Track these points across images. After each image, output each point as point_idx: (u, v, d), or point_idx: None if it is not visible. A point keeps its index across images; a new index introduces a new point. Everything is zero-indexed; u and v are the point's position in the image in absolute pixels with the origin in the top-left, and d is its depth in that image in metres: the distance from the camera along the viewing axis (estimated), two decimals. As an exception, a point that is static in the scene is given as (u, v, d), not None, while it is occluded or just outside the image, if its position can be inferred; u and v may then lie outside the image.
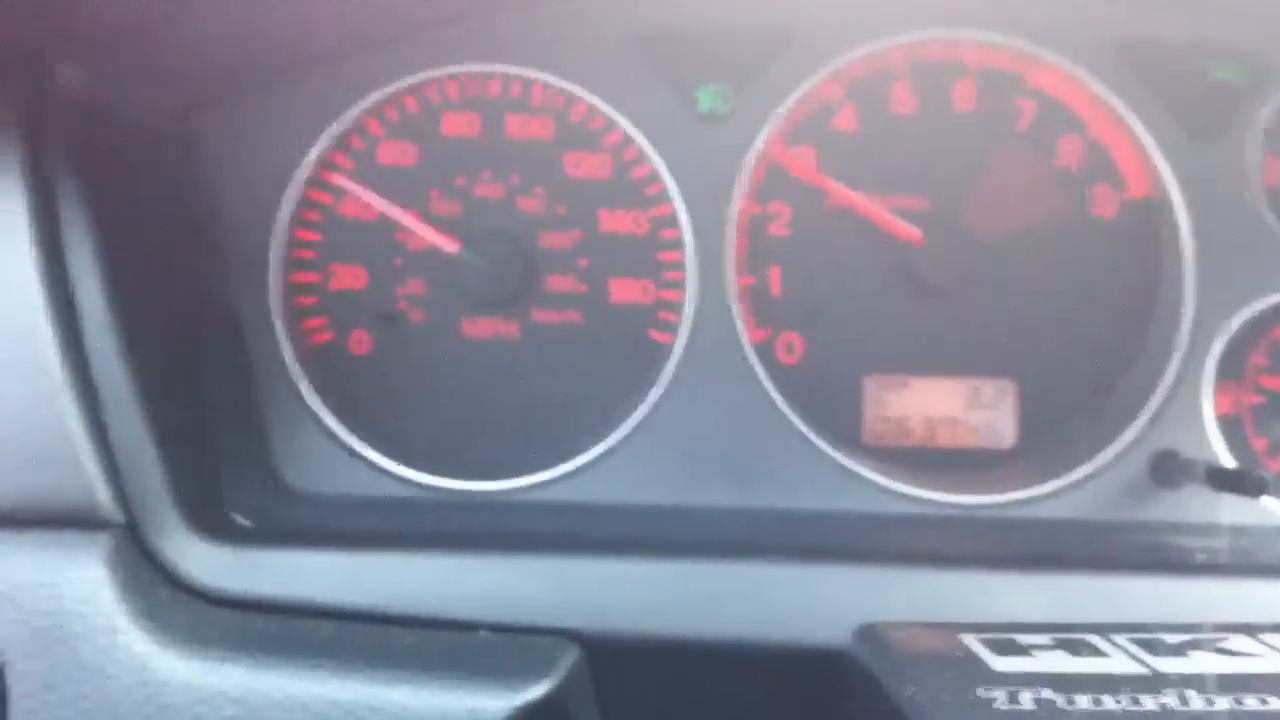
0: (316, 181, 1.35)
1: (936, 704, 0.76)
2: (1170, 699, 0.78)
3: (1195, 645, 0.88)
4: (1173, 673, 0.82)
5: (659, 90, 1.34)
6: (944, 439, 1.37)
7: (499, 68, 1.35)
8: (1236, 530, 1.28)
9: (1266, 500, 1.29)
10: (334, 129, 1.34)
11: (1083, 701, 0.77)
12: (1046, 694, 0.77)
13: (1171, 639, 0.89)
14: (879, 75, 1.38)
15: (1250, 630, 0.93)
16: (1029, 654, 0.85)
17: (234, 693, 0.90)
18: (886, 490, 1.31)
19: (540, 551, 1.05)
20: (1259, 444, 1.34)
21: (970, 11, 1.34)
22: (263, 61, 1.30)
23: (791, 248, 1.38)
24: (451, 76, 1.36)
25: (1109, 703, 0.76)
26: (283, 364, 1.32)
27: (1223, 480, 1.23)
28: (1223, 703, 0.77)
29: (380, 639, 0.97)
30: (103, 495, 0.99)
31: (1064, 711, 0.75)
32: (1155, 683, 0.80)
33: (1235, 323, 1.32)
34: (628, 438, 1.31)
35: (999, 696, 0.77)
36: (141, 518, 1.01)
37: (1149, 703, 0.77)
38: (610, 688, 1.01)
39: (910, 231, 1.35)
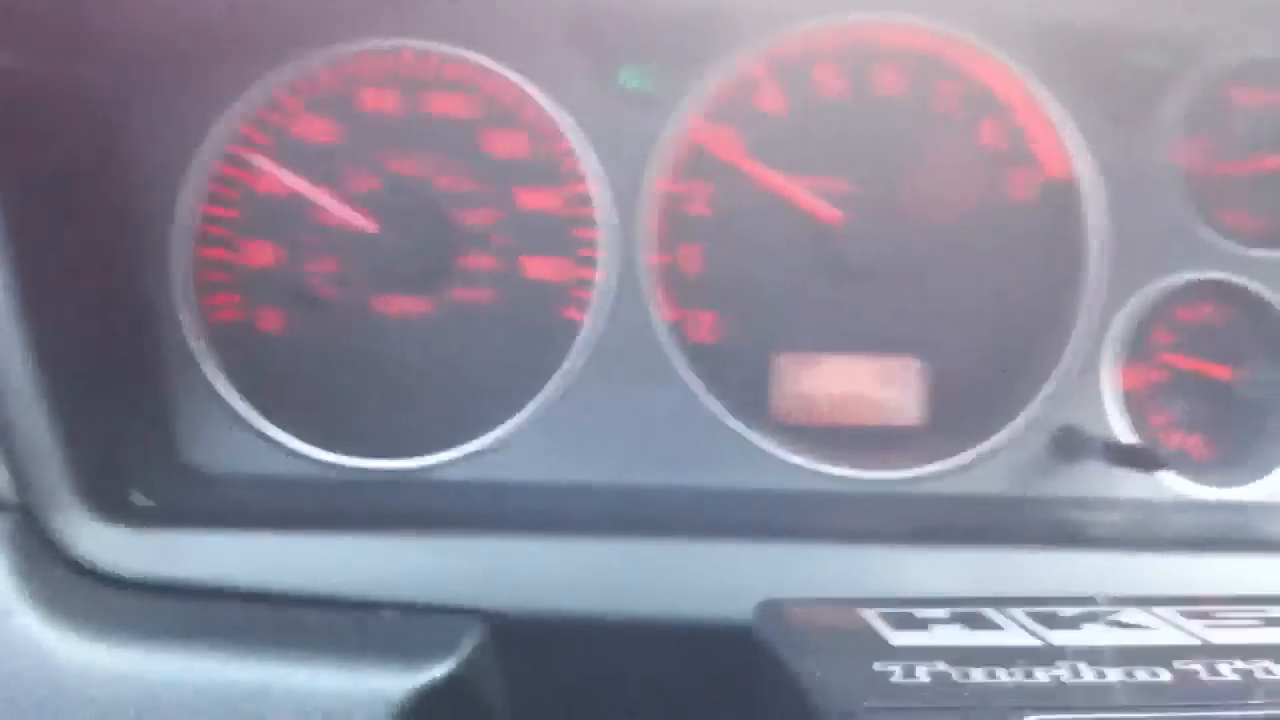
0: (228, 156, 1.32)
1: (834, 678, 0.77)
2: (1063, 671, 0.79)
3: (1090, 618, 0.90)
4: (1067, 645, 0.84)
5: (580, 68, 1.34)
6: (851, 416, 1.38)
7: (417, 43, 1.33)
8: (1135, 505, 1.31)
9: (1163, 475, 1.33)
10: (246, 102, 1.31)
11: (977, 674, 0.78)
12: (942, 667, 0.79)
13: (1067, 612, 0.91)
14: (802, 56, 1.38)
15: (1144, 603, 0.95)
16: (927, 628, 0.86)
17: (133, 676, 0.88)
18: (794, 467, 1.33)
19: (446, 530, 1.05)
20: (1159, 420, 1.37)
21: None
22: (174, 32, 1.27)
23: (711, 227, 1.38)
24: (370, 51, 1.34)
25: (1003, 675, 0.78)
26: (188, 342, 1.30)
27: (1121, 456, 1.27)
28: (1115, 674, 0.79)
29: (283, 620, 0.96)
30: None
31: (958, 684, 0.76)
32: (1050, 655, 0.82)
33: (1139, 301, 1.35)
34: (537, 416, 1.32)
35: (896, 670, 0.78)
36: (37, 499, 0.99)
37: (1042, 675, 0.79)
38: (517, 668, 1.02)
39: (830, 213, 1.36)
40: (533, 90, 1.34)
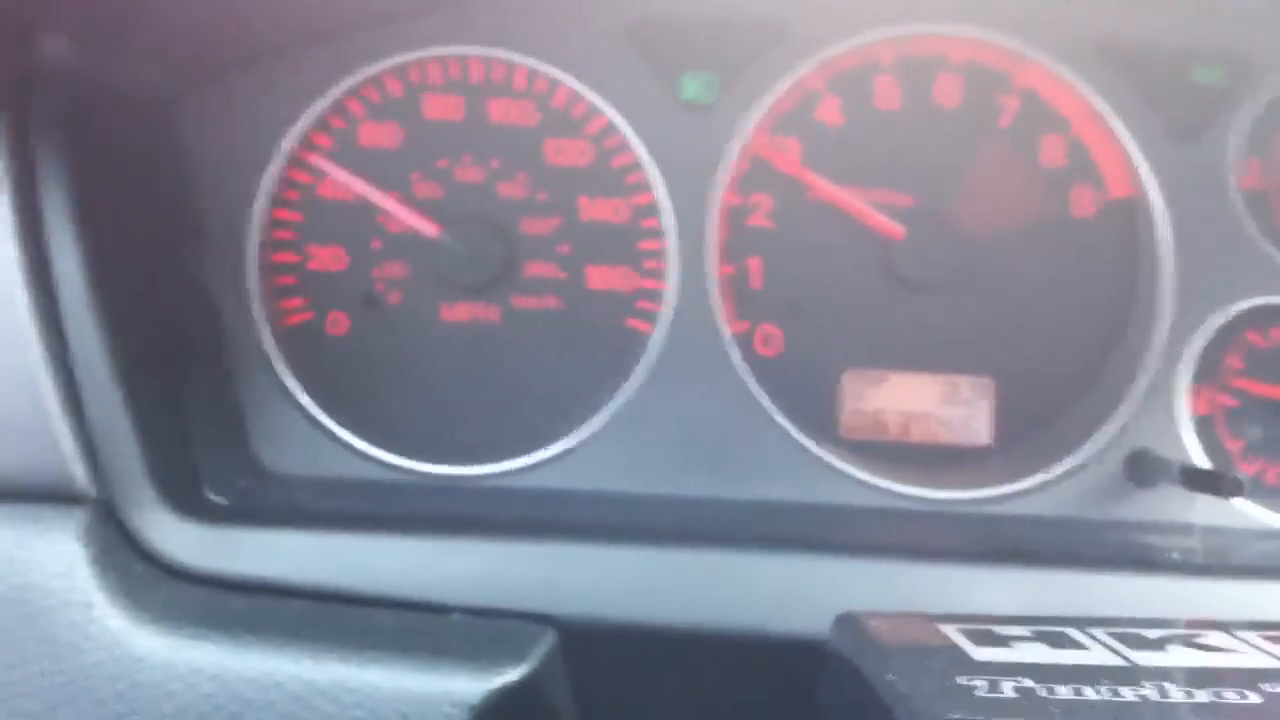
0: (297, 161, 1.33)
1: (918, 691, 0.76)
2: (1150, 690, 0.78)
3: (1171, 640, 0.88)
4: (1151, 665, 0.82)
5: (643, 78, 1.34)
6: (919, 434, 1.37)
7: (483, 51, 1.34)
8: (1209, 530, 1.29)
9: (1239, 502, 1.30)
10: (315, 108, 1.32)
11: (1063, 691, 0.77)
12: (1027, 683, 0.77)
13: (1150, 633, 0.90)
14: (864, 69, 1.37)
15: (1224, 627, 0.93)
16: (1008, 645, 0.85)
17: (209, 670, 0.88)
18: (862, 484, 1.31)
19: (516, 536, 1.05)
20: (1232, 445, 1.35)
21: (957, 7, 1.34)
22: (245, 40, 1.29)
23: (773, 239, 1.38)
24: (434, 59, 1.34)
25: (1089, 693, 0.76)
26: (259, 344, 1.31)
27: (1197, 480, 1.24)
28: (1201, 695, 0.78)
29: (355, 620, 0.96)
30: (77, 470, 0.98)
31: (1045, 700, 0.75)
32: (1134, 674, 0.80)
33: (1211, 325, 1.33)
34: (605, 426, 1.31)
35: (980, 684, 0.76)
36: (117, 494, 1.00)
37: (1129, 694, 0.77)
38: (585, 674, 1.01)
39: (892, 228, 1.35)
40: (596, 99, 1.34)
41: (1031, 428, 1.36)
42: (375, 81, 1.34)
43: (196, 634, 0.90)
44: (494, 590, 1.01)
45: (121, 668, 0.88)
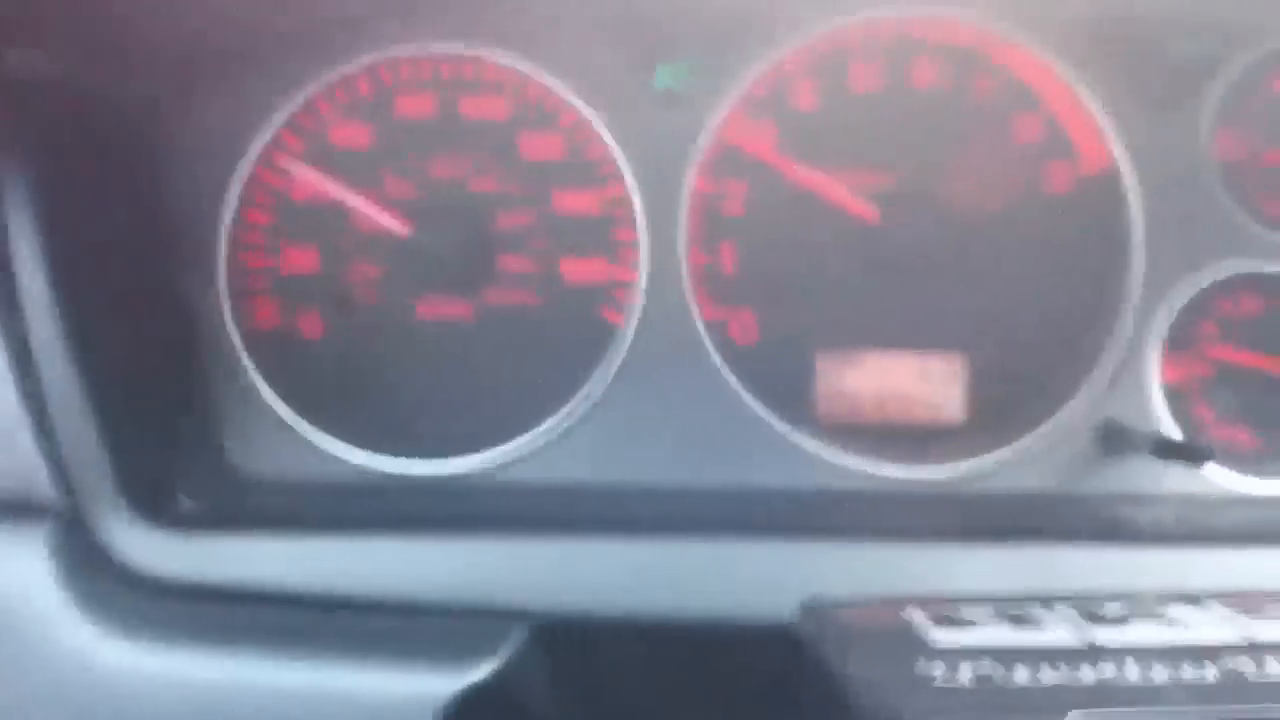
0: (267, 163, 1.34)
1: (875, 679, 0.77)
2: (1108, 670, 0.79)
3: (1136, 615, 0.90)
4: (1112, 644, 0.83)
5: (615, 69, 1.34)
6: (895, 414, 1.37)
7: (453, 48, 1.34)
8: (1182, 499, 1.30)
9: (1211, 469, 1.31)
10: (285, 110, 1.33)
11: (1021, 674, 0.78)
12: (985, 668, 0.79)
13: (1112, 609, 0.91)
14: (837, 52, 1.37)
15: (1191, 599, 0.94)
16: (969, 627, 0.86)
17: (180, 680, 0.90)
18: (838, 466, 1.32)
19: (488, 532, 1.06)
20: (1205, 414, 1.35)
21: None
22: (213, 42, 1.29)
23: (746, 226, 1.38)
24: (405, 57, 1.35)
25: (1047, 674, 0.78)
26: (231, 347, 1.32)
27: (1168, 450, 1.26)
28: (1160, 673, 0.79)
29: (327, 623, 0.98)
30: (44, 482, 0.99)
31: (1001, 685, 0.76)
32: (1094, 654, 0.82)
33: (1183, 294, 1.33)
34: (580, 418, 1.32)
35: (938, 671, 0.78)
36: (85, 504, 1.01)
37: (1088, 674, 0.78)
38: (562, 668, 1.02)
39: (866, 209, 1.35)
40: (568, 92, 1.34)
41: (1004, 403, 1.36)
42: (346, 81, 1.35)
43: (167, 644, 0.92)
44: (465, 587, 1.02)
45: (90, 679, 0.90)
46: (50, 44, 1.08)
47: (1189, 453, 1.25)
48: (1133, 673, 0.79)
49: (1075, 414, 1.33)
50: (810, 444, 1.33)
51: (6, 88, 1.04)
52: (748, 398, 1.32)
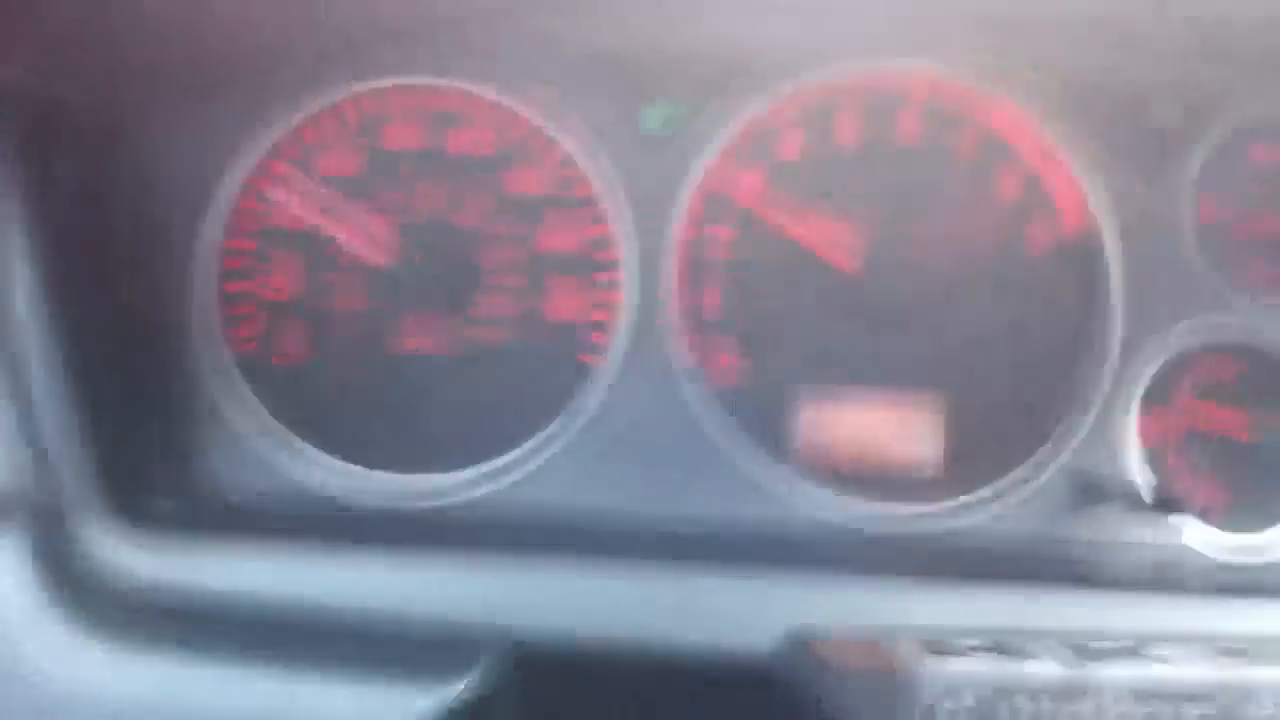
0: (251, 189, 1.34)
1: (858, 714, 0.77)
2: (1088, 705, 0.79)
3: (1112, 654, 0.90)
4: (1092, 679, 0.83)
5: (604, 110, 1.35)
6: (874, 458, 1.37)
7: (442, 81, 1.35)
8: (1152, 548, 1.30)
9: (1180, 520, 1.32)
10: (271, 137, 1.33)
11: (1003, 710, 0.78)
12: (969, 701, 0.78)
13: (1092, 647, 0.91)
14: (823, 102, 1.38)
15: (1173, 640, 0.94)
16: (953, 660, 0.85)
17: (153, 690, 0.88)
18: (816, 507, 1.32)
19: (469, 551, 1.06)
20: (1176, 466, 1.36)
21: (919, 44, 1.36)
22: (200, 65, 1.29)
23: (730, 271, 1.38)
24: (394, 89, 1.36)
25: (1028, 708, 0.78)
26: (214, 369, 1.31)
27: (1139, 500, 1.27)
28: (1138, 709, 0.79)
29: (303, 638, 0.96)
30: (24, 490, 0.97)
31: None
32: (1076, 688, 0.81)
33: (1156, 350, 1.35)
34: (557, 453, 1.32)
35: (921, 704, 0.77)
36: (64, 514, 1.00)
37: (1068, 708, 0.78)
38: (539, 690, 1.01)
39: (849, 262, 1.36)
40: (555, 130, 1.35)
41: (981, 452, 1.37)
42: (333, 110, 1.35)
43: (141, 653, 0.90)
44: (445, 605, 1.01)
45: (62, 686, 0.88)
46: (32, 60, 1.08)
47: (1161, 503, 1.27)
48: (1113, 708, 0.79)
49: (1046, 460, 1.34)
50: (788, 484, 1.33)
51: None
52: (725, 441, 1.32)
